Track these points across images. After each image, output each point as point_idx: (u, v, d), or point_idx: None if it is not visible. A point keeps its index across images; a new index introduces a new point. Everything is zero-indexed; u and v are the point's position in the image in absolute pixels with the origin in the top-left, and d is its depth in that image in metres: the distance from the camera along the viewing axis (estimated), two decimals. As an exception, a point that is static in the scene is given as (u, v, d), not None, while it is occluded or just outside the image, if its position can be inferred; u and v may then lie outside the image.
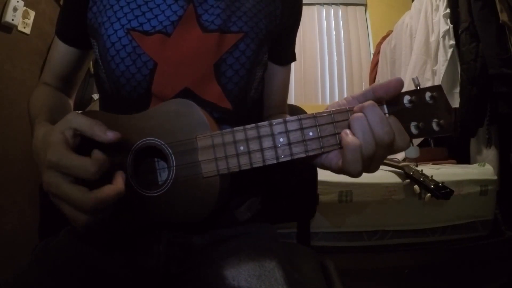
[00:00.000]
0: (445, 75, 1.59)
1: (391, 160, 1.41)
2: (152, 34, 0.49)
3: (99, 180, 0.35)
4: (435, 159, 1.68)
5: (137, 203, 0.41)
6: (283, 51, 0.63)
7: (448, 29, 1.61)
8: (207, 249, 0.51)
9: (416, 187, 1.24)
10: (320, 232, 1.28)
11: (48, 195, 0.36)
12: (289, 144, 0.37)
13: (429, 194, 1.19)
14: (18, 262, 0.47)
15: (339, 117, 0.37)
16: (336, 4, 2.91)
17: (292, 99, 2.72)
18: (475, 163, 1.53)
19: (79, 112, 0.42)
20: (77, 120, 0.36)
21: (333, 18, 2.90)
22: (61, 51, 0.58)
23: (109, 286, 0.46)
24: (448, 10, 1.62)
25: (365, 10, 2.91)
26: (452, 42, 1.60)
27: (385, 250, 1.31)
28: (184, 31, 0.50)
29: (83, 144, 0.37)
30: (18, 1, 1.10)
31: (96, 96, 1.55)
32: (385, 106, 0.36)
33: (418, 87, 0.36)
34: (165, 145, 0.41)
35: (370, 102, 0.35)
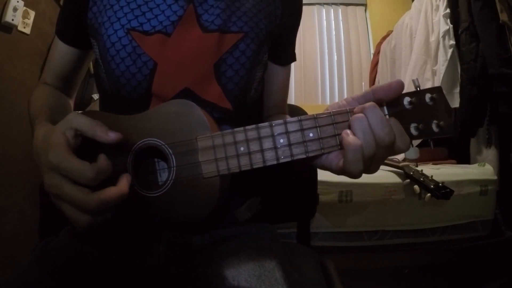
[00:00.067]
0: (445, 75, 1.59)
1: (391, 160, 1.41)
2: (152, 34, 0.49)
3: (103, 181, 0.35)
4: (435, 159, 1.68)
5: (137, 204, 0.41)
6: (283, 51, 0.63)
7: (448, 29, 1.61)
8: (207, 249, 0.51)
9: (416, 187, 1.24)
10: (320, 232, 1.28)
11: (48, 195, 0.35)
12: (290, 145, 0.37)
13: (429, 194, 1.19)
14: (18, 262, 0.47)
15: (340, 118, 0.37)
16: (336, 4, 2.91)
17: (292, 99, 2.72)
18: (475, 163, 1.53)
19: (80, 112, 0.42)
20: (78, 121, 0.36)
21: (333, 18, 2.90)
22: (61, 51, 0.58)
23: (109, 286, 0.46)
24: (448, 10, 1.62)
25: (365, 10, 2.91)
26: (452, 42, 1.60)
27: (385, 250, 1.31)
28: (184, 31, 0.50)
29: (84, 144, 0.37)
30: (18, 1, 1.09)
31: (96, 96, 1.55)
32: (385, 108, 0.36)
33: (418, 89, 0.36)
34: (166, 145, 0.41)
35: (371, 103, 0.35)
